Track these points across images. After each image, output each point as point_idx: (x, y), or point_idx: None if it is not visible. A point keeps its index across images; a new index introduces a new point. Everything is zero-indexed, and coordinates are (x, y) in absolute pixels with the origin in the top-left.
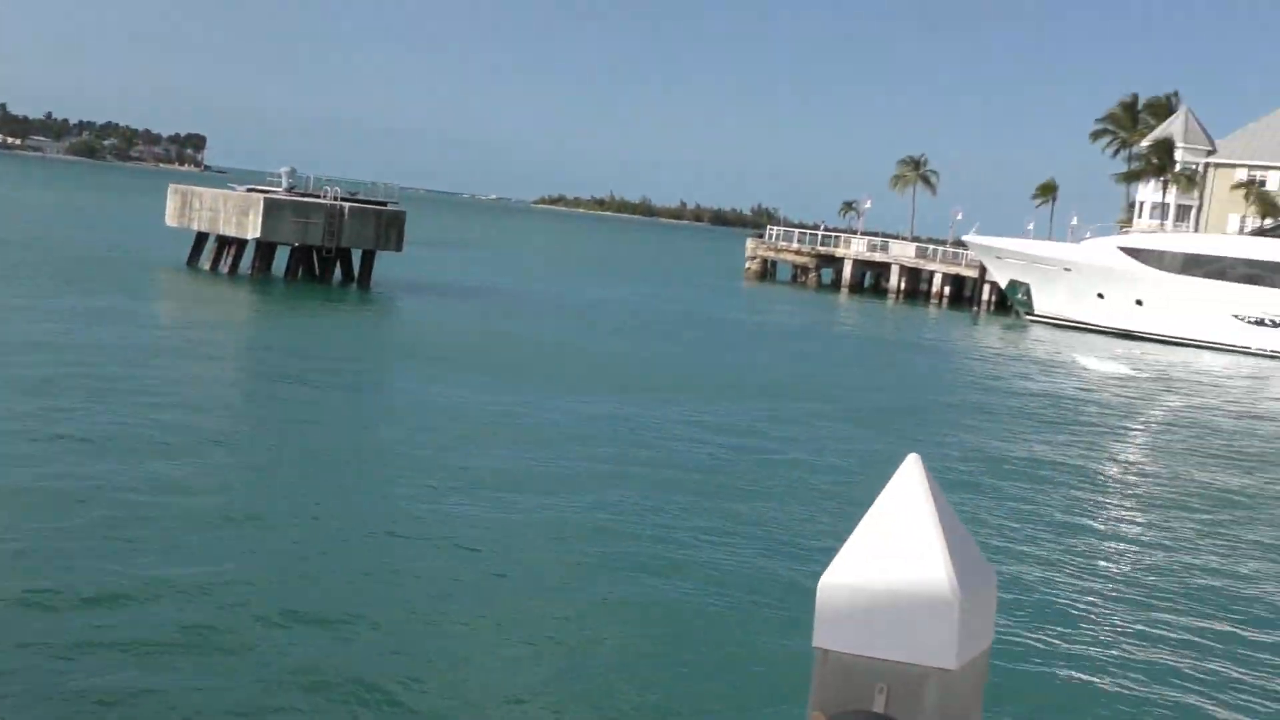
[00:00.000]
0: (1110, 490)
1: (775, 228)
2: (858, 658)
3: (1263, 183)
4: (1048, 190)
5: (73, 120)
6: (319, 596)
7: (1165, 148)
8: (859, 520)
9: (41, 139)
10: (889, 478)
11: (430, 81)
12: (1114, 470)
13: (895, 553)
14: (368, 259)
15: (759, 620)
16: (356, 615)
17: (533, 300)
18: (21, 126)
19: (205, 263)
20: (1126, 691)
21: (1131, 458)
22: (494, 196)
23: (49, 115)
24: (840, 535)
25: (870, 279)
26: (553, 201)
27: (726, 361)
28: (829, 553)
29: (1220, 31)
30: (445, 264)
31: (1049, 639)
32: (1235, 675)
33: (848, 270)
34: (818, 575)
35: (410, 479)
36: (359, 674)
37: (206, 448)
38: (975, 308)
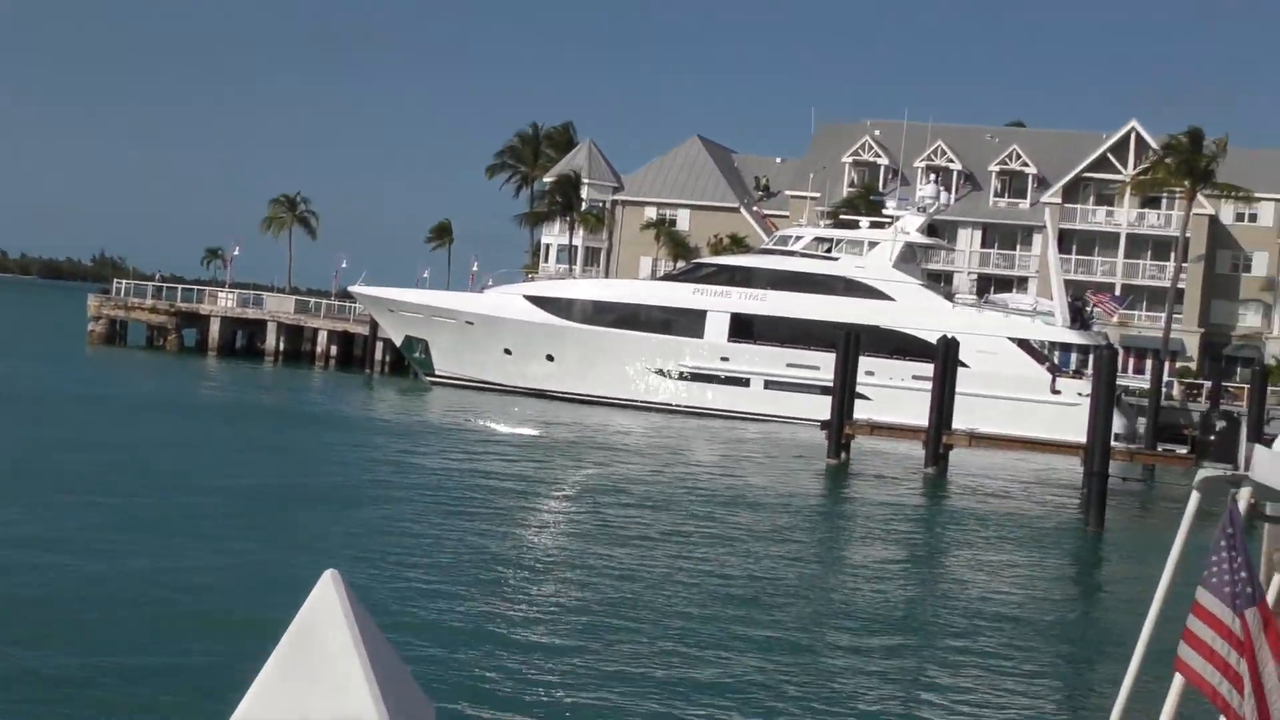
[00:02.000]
0: (555, 570)
1: (124, 281)
2: None
3: (673, 222)
4: (443, 232)
5: None
6: None
7: (570, 184)
8: (268, 654)
9: None
10: (293, 594)
11: None
12: (543, 554)
13: (315, 690)
14: None
15: None
16: None
17: None
18: None
19: None
20: None
21: (544, 539)
22: None
23: None
24: (244, 671)
25: (243, 339)
26: None
27: (53, 453)
28: (236, 692)
29: (615, 59)
30: None
31: None
32: None
33: (215, 330)
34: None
35: None
36: None
37: None
38: (368, 369)
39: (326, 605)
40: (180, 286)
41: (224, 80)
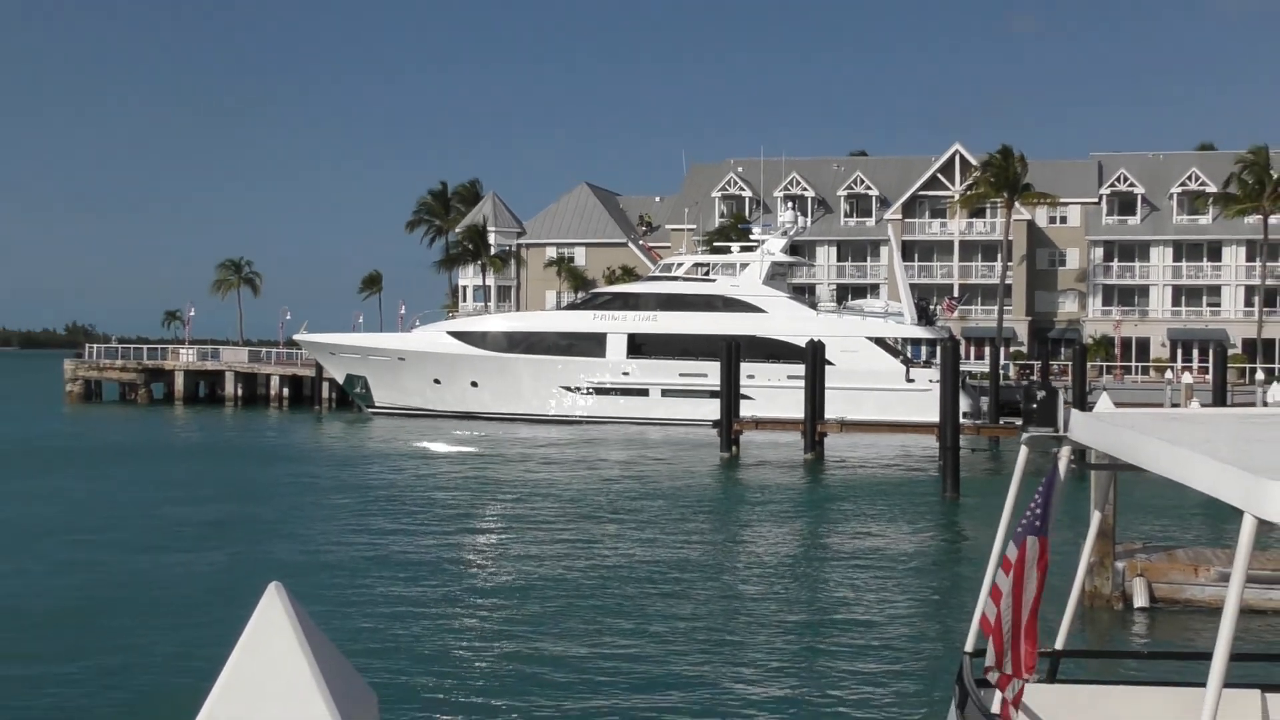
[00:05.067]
0: (485, 568)
1: (95, 345)
2: None
3: (571, 259)
4: (373, 282)
5: None
6: None
7: (477, 233)
8: (223, 663)
9: None
10: (249, 609)
11: None
12: (479, 548)
13: (267, 691)
14: None
15: None
16: None
17: None
18: None
19: None
20: None
21: (488, 533)
22: None
23: None
24: (200, 678)
25: (205, 388)
26: None
27: (52, 486)
28: (194, 699)
29: (516, 108)
30: None
31: None
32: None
33: (179, 382)
34: None
35: None
36: None
37: None
38: (317, 406)
39: (272, 615)
40: (145, 346)
41: (166, 154)
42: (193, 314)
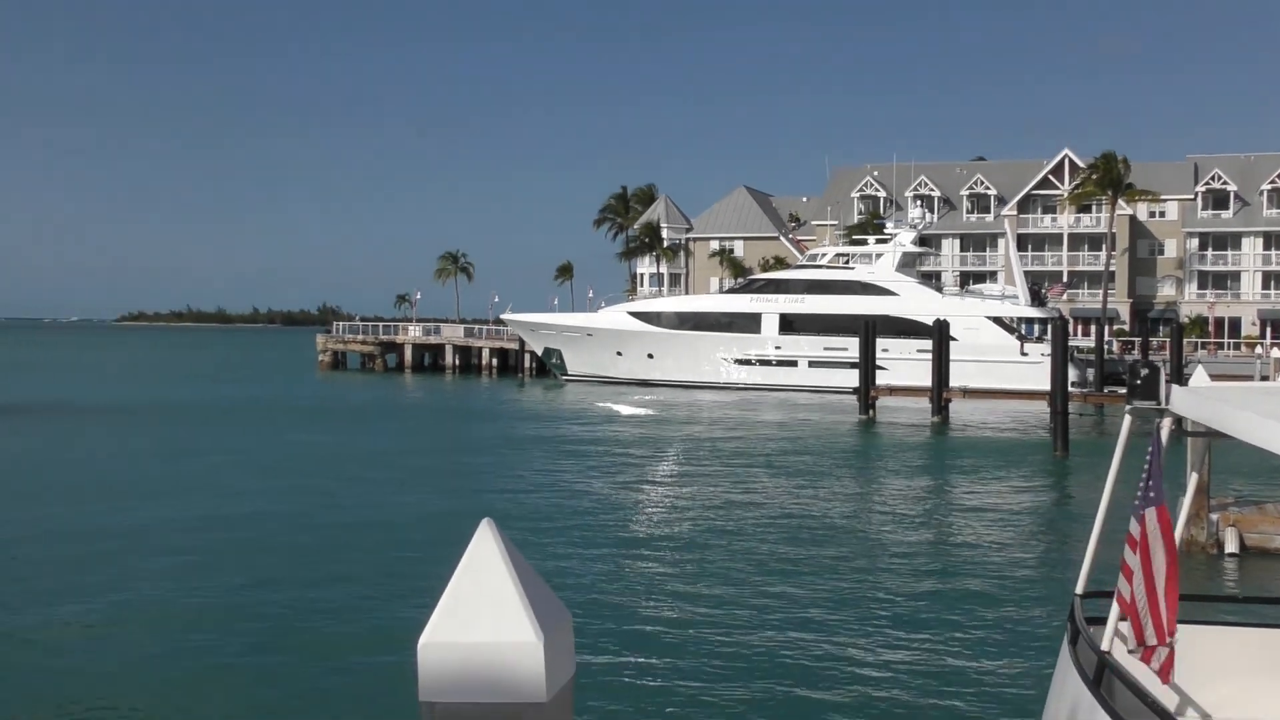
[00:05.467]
0: (664, 507)
1: (340, 322)
2: (461, 705)
3: (731, 250)
4: (566, 271)
5: None
6: None
7: (652, 229)
8: (443, 586)
9: None
10: (464, 540)
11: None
12: (661, 491)
13: (482, 609)
14: None
15: (371, 677)
16: None
17: (127, 407)
18: None
19: None
20: (704, 693)
21: (663, 479)
22: (74, 318)
23: None
24: (435, 593)
25: (429, 359)
26: (134, 318)
27: (315, 438)
28: (418, 615)
29: (686, 124)
30: (33, 385)
31: (627, 658)
32: (829, 655)
33: (409, 354)
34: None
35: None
36: None
37: None
38: (520, 374)
39: (485, 545)
40: (381, 323)
41: (399, 162)
42: (419, 297)
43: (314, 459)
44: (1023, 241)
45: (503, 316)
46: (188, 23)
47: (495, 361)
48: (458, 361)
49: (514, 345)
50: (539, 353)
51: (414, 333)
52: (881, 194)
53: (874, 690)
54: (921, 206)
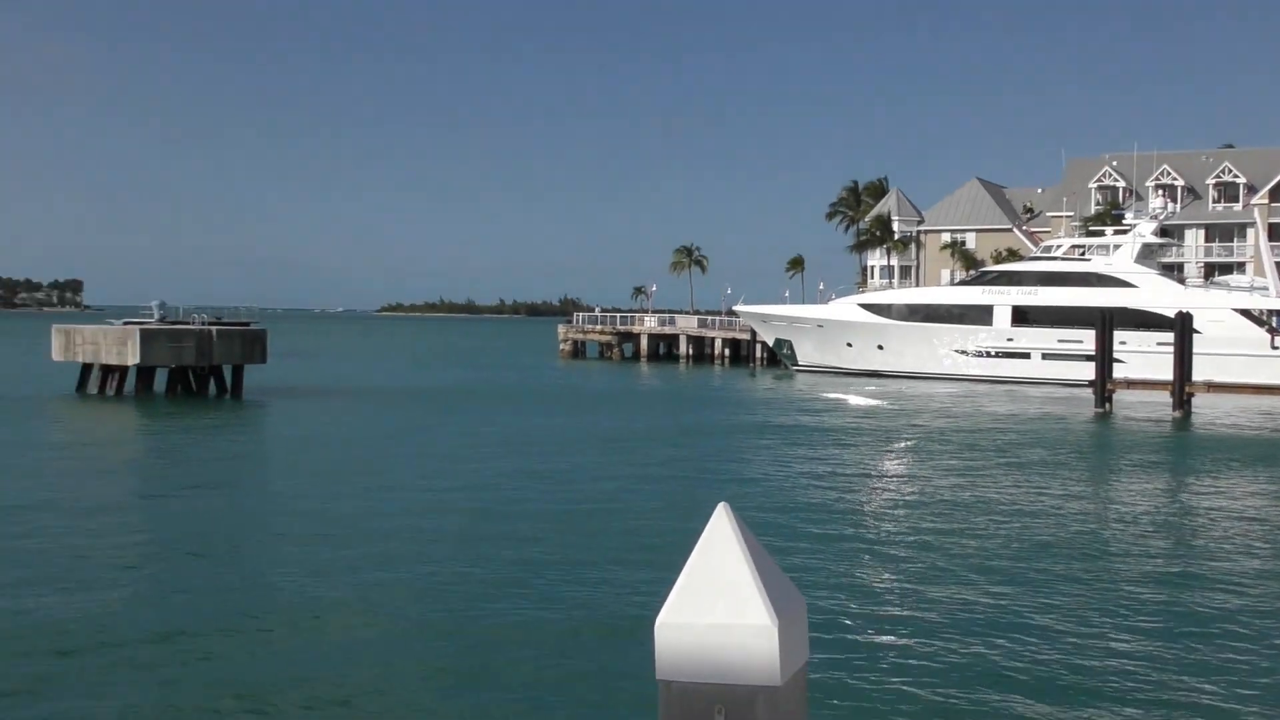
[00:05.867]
0: (893, 498)
1: (580, 313)
2: (696, 685)
3: (963, 242)
4: (797, 264)
5: None
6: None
7: (884, 222)
8: (683, 564)
9: None
10: (709, 517)
11: (277, 213)
12: (891, 482)
13: (718, 591)
14: (237, 372)
15: (609, 654)
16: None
17: (385, 391)
18: None
19: (92, 389)
20: (943, 691)
21: (899, 469)
22: (341, 309)
23: None
24: (672, 574)
25: (663, 348)
26: (392, 309)
27: (555, 422)
28: (653, 594)
29: (918, 118)
30: (307, 370)
31: (860, 649)
32: (1051, 660)
33: (644, 343)
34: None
35: (296, 551)
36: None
37: (103, 548)
38: (751, 364)
39: (721, 528)
40: (619, 314)
41: (637, 158)
42: (654, 289)
43: (554, 441)
44: (1274, 231)
45: (735, 308)
46: (447, 20)
47: (727, 351)
48: (691, 351)
49: (746, 336)
50: (770, 343)
51: (650, 323)
52: (1120, 184)
53: (1109, 710)
54: (1163, 196)
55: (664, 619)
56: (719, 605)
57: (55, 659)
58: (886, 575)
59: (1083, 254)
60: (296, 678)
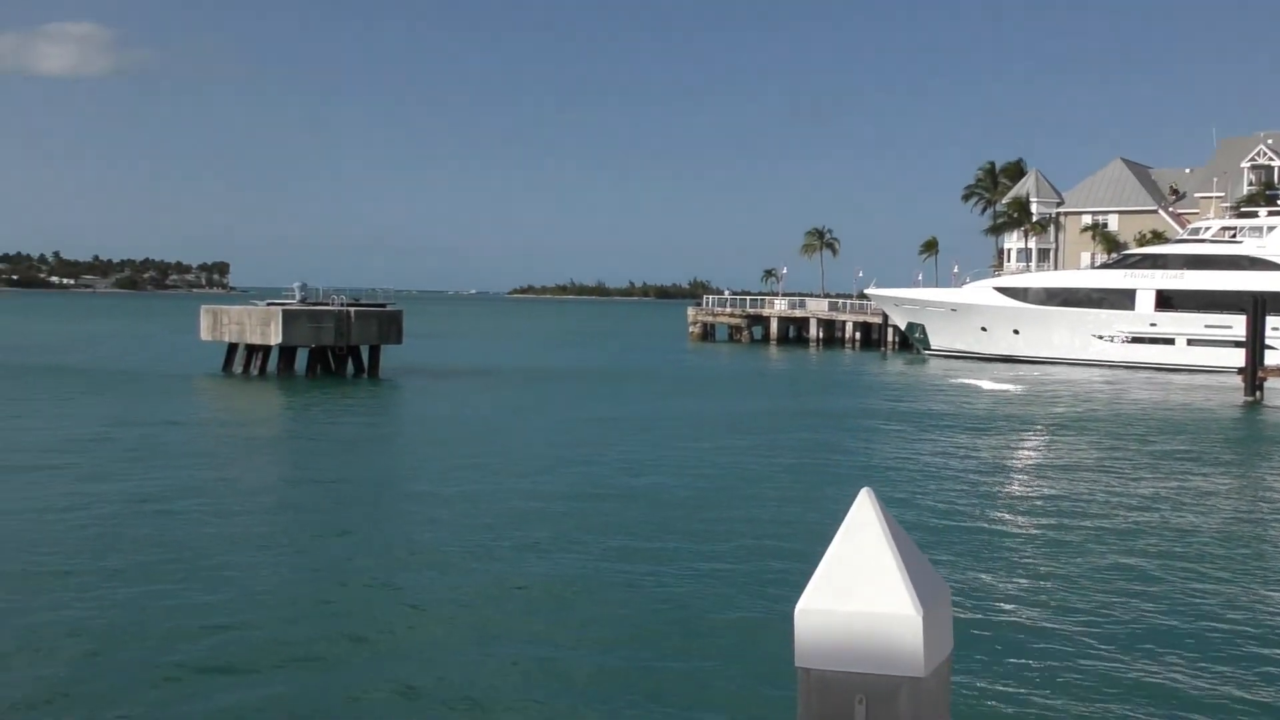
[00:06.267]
0: (1031, 487)
1: (710, 296)
2: (837, 674)
3: (1104, 225)
4: (930, 246)
5: (116, 259)
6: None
7: (1021, 203)
8: (824, 550)
9: (91, 277)
10: (846, 502)
11: (413, 197)
12: (1028, 471)
13: (861, 578)
14: (374, 353)
15: (746, 638)
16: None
17: (518, 372)
18: (74, 268)
19: (237, 368)
20: (1087, 688)
21: (1036, 457)
22: (473, 291)
23: (96, 257)
24: (809, 560)
25: (793, 332)
26: (523, 291)
27: (687, 404)
28: (799, 577)
29: (1057, 98)
30: (441, 350)
31: (1004, 641)
32: (1197, 665)
33: (774, 326)
34: (793, 598)
35: (433, 529)
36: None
37: (245, 520)
38: (883, 348)
39: (864, 514)
40: (748, 296)
41: (767, 141)
42: (785, 272)
43: (687, 424)
44: None
45: (866, 291)
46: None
47: (858, 335)
48: (821, 335)
49: (877, 319)
50: (902, 327)
51: (780, 306)
52: (1276, 163)
53: None
54: None
55: (804, 605)
56: (862, 592)
57: (205, 637)
58: (1020, 571)
59: (1233, 236)
60: (436, 662)
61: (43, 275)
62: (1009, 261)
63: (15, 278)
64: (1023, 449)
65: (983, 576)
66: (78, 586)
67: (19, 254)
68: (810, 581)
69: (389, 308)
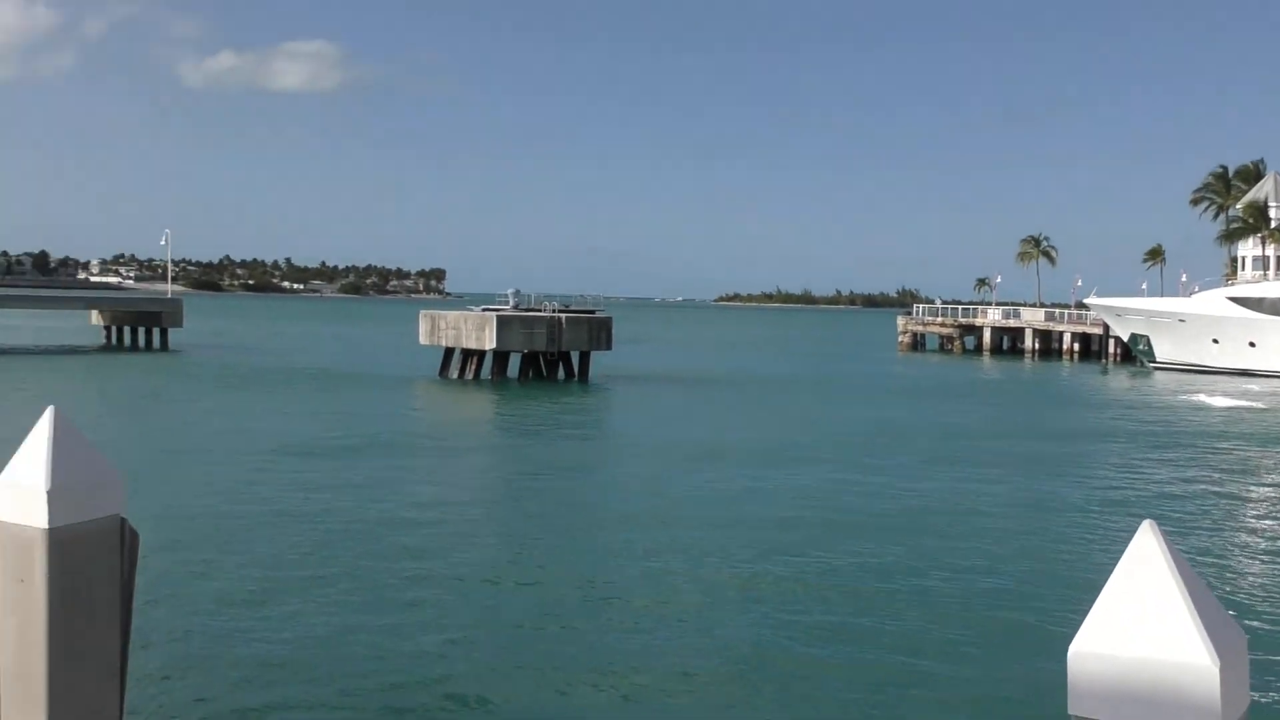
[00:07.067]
0: (1237, 516)
1: (920, 305)
2: None
3: None
4: (1156, 254)
5: (341, 265)
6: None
7: (1259, 208)
8: (1101, 586)
9: (319, 283)
10: (1100, 531)
11: (621, 204)
12: (1262, 500)
13: (1145, 621)
14: (585, 358)
15: (1011, 678)
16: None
17: (725, 378)
18: (303, 274)
19: (454, 372)
20: None
21: (1271, 485)
22: (680, 299)
23: (323, 263)
24: (1074, 589)
25: (1007, 342)
26: (729, 299)
27: (901, 415)
28: (1065, 607)
29: None
30: (649, 356)
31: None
32: None
33: (987, 336)
34: (1060, 631)
35: (636, 532)
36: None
37: (460, 515)
38: (1103, 360)
39: (1147, 549)
40: (960, 306)
41: (977, 151)
42: (999, 281)
43: (906, 435)
44: None
45: (1086, 301)
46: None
47: (1077, 346)
48: (1037, 345)
49: (1097, 330)
50: (1124, 338)
51: (993, 316)
52: None
53: None
54: None
55: (1079, 647)
56: (1147, 637)
57: (432, 631)
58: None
59: None
60: (642, 656)
61: (275, 280)
62: (1243, 270)
63: (251, 282)
64: (1259, 474)
65: (1271, 626)
66: (328, 576)
67: (255, 260)
68: (1086, 620)
69: (598, 314)
